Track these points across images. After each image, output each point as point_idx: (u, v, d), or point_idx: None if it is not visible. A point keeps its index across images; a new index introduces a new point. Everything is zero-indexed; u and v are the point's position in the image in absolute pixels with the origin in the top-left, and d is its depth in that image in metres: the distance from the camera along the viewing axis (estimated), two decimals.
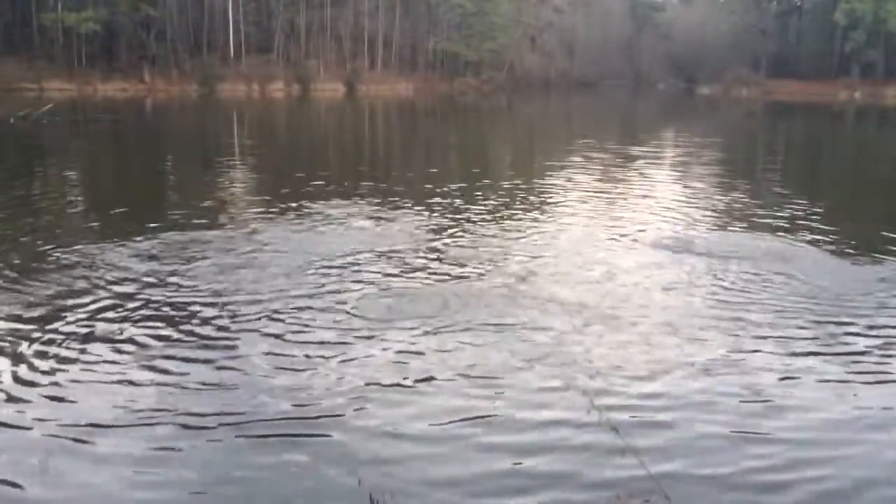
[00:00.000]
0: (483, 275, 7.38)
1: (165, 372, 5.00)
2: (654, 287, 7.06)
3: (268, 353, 5.32)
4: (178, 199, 12.38)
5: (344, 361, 5.19)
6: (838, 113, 48.83)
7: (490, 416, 4.50)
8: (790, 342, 5.72)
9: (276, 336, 5.66)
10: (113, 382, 4.83)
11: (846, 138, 32.12)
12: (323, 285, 6.91)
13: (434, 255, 8.11)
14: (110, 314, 6.06)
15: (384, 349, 5.42)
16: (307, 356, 5.27)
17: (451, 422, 4.40)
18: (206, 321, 5.95)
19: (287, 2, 59.59)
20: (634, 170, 16.71)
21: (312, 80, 57.56)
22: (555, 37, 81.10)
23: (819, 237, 9.42)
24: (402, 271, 7.47)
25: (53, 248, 8.07)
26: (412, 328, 5.82)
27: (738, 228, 10.05)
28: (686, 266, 7.84)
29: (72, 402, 4.54)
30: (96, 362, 5.11)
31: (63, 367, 5.02)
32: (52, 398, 4.57)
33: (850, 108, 54.19)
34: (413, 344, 5.53)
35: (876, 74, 68.78)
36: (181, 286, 6.81)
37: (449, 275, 7.38)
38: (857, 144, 28.87)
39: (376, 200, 11.42)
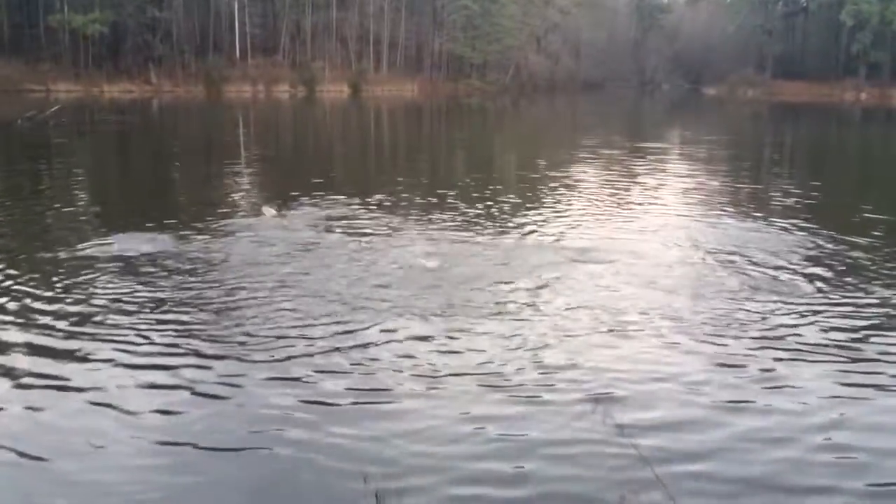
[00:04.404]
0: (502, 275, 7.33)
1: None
2: (673, 288, 6.99)
3: (271, 417, 4.42)
4: (185, 204, 12.22)
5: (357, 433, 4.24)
6: (845, 114, 48.62)
7: (496, 417, 4.45)
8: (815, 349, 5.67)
9: (286, 377, 4.91)
10: (93, 432, 4.20)
11: (859, 139, 31.95)
12: (346, 315, 6.00)
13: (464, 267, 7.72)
14: (104, 334, 5.56)
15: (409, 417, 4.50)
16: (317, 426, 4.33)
17: (456, 423, 4.37)
18: (204, 358, 5.15)
19: (292, 3, 59.59)
20: (650, 168, 16.64)
21: (318, 81, 57.54)
22: (560, 38, 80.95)
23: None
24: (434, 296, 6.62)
25: (57, 254, 7.81)
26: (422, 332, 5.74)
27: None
28: (700, 264, 7.78)
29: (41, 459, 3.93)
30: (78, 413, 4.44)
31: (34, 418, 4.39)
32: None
33: (856, 109, 53.95)
34: (422, 342, 5.48)
35: (882, 76, 68.41)
36: (179, 305, 6.19)
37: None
38: (866, 145, 28.74)
39: (397, 208, 11.07)
